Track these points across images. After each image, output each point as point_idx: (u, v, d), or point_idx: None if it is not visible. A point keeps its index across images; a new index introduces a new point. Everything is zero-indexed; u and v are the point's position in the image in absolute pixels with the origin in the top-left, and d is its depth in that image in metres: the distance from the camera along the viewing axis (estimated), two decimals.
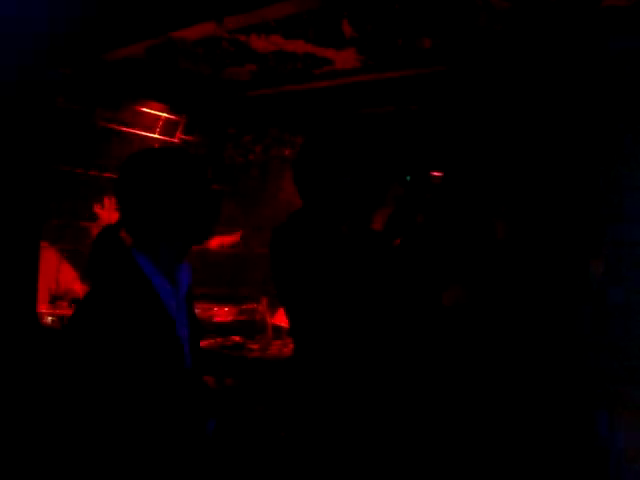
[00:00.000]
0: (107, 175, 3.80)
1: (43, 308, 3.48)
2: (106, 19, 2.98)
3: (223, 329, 3.66)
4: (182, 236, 1.65)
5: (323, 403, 2.13)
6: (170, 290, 1.63)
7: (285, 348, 3.60)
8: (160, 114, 4.08)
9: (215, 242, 4.17)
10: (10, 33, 2.70)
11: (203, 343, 3.39)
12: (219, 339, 3.57)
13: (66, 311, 3.49)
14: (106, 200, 3.82)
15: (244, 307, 3.84)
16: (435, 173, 3.17)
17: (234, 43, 3.34)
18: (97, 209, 3.79)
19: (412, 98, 3.70)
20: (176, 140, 4.19)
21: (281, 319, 3.82)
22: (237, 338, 3.64)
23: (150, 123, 4.08)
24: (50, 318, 3.45)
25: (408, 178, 2.63)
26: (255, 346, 3.60)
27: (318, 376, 2.12)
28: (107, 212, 3.78)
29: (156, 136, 4.12)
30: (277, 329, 3.75)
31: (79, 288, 3.67)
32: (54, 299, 3.61)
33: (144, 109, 4.00)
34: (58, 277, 3.66)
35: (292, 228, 2.10)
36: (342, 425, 2.10)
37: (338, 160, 2.09)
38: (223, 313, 3.75)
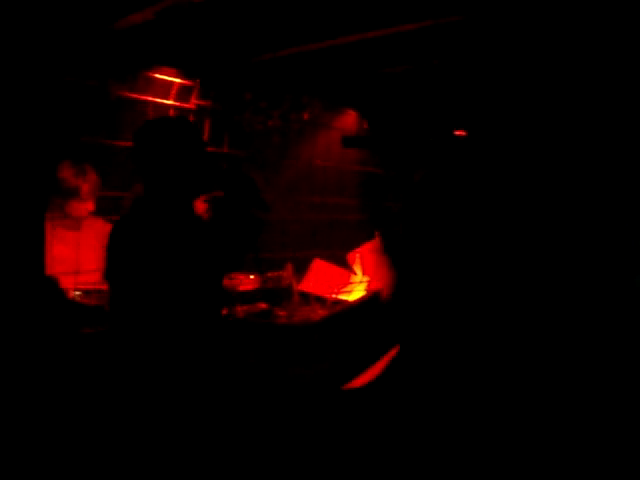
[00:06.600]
0: (123, 144, 3.74)
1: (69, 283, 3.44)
2: None
3: (249, 297, 3.64)
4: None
5: None
6: None
7: (312, 313, 3.59)
8: (173, 80, 3.98)
9: None
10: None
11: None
12: (245, 307, 3.55)
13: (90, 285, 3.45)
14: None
15: (269, 274, 3.81)
16: (459, 132, 3.07)
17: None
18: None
19: (431, 53, 3.57)
20: (191, 106, 4.11)
21: (307, 285, 3.80)
22: (264, 305, 3.63)
23: (164, 89, 3.99)
24: (76, 292, 3.42)
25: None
26: (282, 313, 3.59)
27: None
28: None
29: (170, 102, 4.03)
30: (304, 295, 3.74)
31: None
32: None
33: (157, 75, 3.90)
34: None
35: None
36: None
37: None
38: (249, 281, 3.73)
